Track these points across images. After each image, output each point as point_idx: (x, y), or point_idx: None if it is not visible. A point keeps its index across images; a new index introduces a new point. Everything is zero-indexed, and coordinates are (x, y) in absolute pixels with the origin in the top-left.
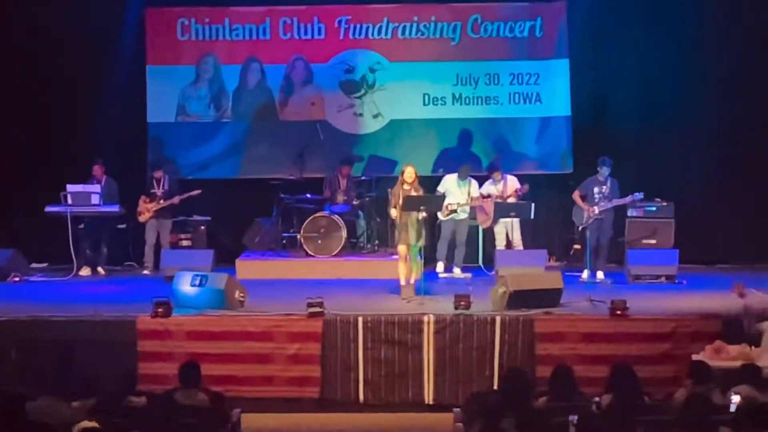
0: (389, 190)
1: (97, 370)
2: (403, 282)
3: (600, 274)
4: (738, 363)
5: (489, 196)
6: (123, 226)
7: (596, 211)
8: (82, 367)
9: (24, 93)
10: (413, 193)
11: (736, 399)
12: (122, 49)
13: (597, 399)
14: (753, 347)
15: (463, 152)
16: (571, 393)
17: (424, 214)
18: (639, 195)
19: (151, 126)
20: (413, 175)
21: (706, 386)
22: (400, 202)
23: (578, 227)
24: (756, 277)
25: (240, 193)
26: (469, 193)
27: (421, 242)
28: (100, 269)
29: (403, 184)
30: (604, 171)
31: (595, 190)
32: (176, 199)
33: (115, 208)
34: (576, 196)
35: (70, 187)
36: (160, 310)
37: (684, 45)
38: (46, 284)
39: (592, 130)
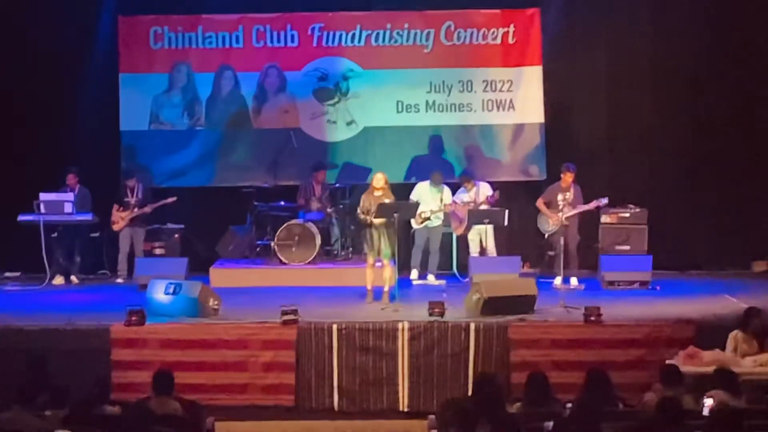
0: (362, 196)
1: (70, 379)
2: (369, 287)
3: (573, 280)
4: (711, 368)
5: (465, 204)
6: (96, 234)
7: (562, 218)
8: (55, 377)
9: None
10: (385, 200)
11: (708, 403)
12: (95, 57)
13: (570, 405)
14: (726, 352)
15: (435, 159)
16: (545, 399)
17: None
18: (604, 200)
19: (125, 134)
20: (382, 181)
21: (677, 390)
22: (373, 208)
23: (544, 235)
24: (729, 283)
25: (214, 201)
26: (441, 200)
27: (391, 250)
28: (73, 278)
29: (373, 191)
30: (568, 178)
31: (559, 197)
32: (149, 209)
33: (89, 217)
34: (540, 203)
35: (42, 196)
36: (133, 318)
37: (655, 51)
38: (19, 293)
39: (565, 137)
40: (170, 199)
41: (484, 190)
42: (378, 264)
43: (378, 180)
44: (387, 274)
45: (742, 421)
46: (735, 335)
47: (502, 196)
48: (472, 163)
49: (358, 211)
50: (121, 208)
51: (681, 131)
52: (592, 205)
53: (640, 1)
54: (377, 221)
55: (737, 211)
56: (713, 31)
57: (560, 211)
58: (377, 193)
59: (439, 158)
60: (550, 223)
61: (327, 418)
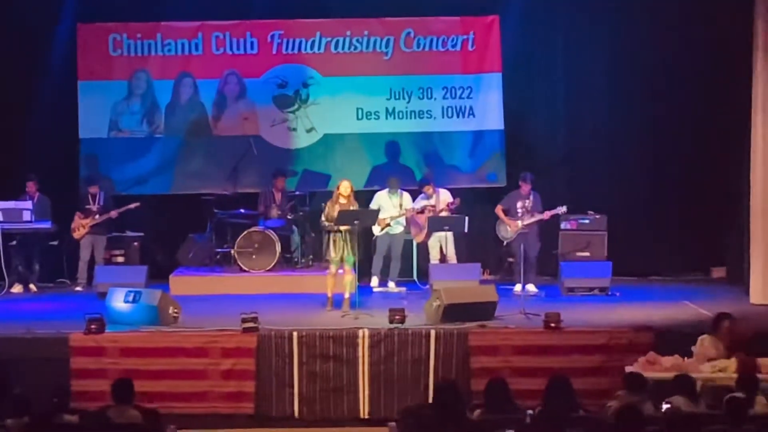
0: (323, 203)
1: (30, 388)
2: (329, 294)
3: (532, 287)
4: (671, 374)
5: (423, 210)
6: (55, 242)
7: (520, 225)
8: (14, 386)
9: None
10: (350, 208)
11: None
12: (53, 65)
13: (530, 411)
14: (686, 358)
15: (395, 166)
16: (506, 406)
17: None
18: (562, 209)
19: (84, 142)
20: (349, 189)
21: (639, 397)
22: (334, 215)
23: (503, 242)
24: (688, 290)
25: (173, 209)
26: (401, 205)
27: (355, 257)
28: (32, 286)
29: (339, 198)
30: (526, 186)
31: (518, 204)
32: (114, 213)
33: (47, 225)
34: (498, 210)
35: (0, 204)
36: (93, 326)
37: (614, 57)
38: None
39: (525, 144)
40: (133, 204)
41: (445, 197)
42: (340, 271)
43: (345, 188)
44: (348, 281)
45: (698, 427)
46: (702, 339)
47: (462, 203)
48: (432, 170)
49: (323, 218)
50: (83, 216)
51: (640, 138)
52: (550, 214)
53: (599, 9)
54: (343, 228)
55: (696, 218)
56: (671, 39)
57: (519, 219)
58: (342, 201)
59: (398, 165)
60: (508, 230)
61: (287, 425)
